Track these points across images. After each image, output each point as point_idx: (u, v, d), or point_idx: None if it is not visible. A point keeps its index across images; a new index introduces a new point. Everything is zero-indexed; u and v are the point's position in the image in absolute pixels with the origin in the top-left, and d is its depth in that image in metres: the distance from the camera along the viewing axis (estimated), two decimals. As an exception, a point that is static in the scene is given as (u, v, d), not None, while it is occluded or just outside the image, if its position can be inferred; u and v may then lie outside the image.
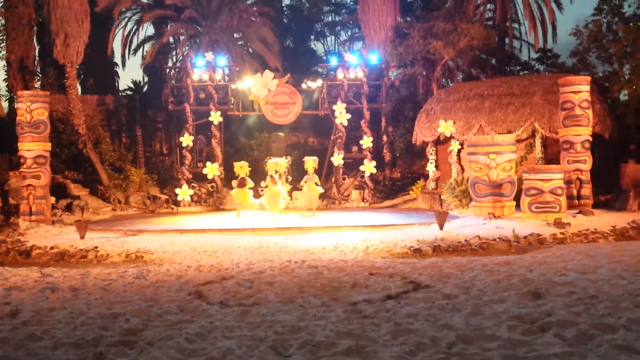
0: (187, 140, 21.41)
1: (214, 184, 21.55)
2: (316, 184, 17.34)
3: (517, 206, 14.32)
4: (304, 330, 5.17)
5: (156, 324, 5.51)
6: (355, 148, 22.36)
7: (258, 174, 18.48)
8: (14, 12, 23.14)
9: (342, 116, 21.62)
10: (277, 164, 17.20)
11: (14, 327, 5.43)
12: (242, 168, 17.38)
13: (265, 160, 17.82)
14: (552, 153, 17.97)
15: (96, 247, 11.18)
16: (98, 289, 7.22)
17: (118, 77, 32.15)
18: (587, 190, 15.69)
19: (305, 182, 17.31)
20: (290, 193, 18.33)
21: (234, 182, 17.31)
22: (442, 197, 18.17)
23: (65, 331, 5.25)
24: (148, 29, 31.02)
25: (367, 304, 6.13)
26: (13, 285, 7.54)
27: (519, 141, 17.44)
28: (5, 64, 24.28)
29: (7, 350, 4.77)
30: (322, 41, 37.43)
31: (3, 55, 23.92)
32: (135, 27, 29.12)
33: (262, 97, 21.16)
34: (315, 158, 17.55)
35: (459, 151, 19.46)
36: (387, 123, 23.97)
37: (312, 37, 35.51)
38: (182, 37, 27.88)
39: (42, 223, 15.07)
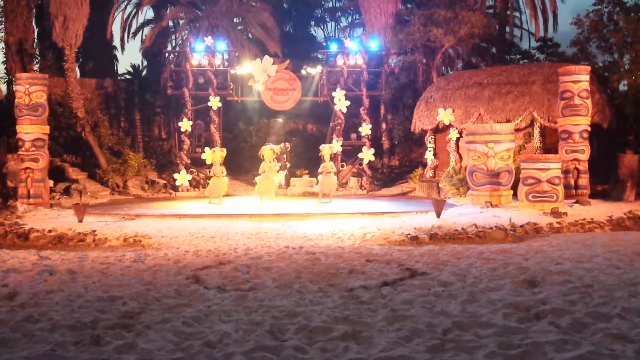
0: (185, 125, 21.33)
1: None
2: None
3: (515, 195, 14.35)
4: (301, 315, 5.19)
5: (153, 307, 5.54)
6: (354, 135, 22.30)
7: (256, 160, 18.44)
8: (12, -7, 22.96)
9: (341, 103, 21.54)
10: (272, 150, 17.08)
11: (11, 309, 5.45)
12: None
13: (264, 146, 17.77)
14: (551, 142, 17.97)
15: (94, 231, 11.21)
16: (96, 272, 7.24)
17: (117, 60, 31.98)
18: (584, 180, 15.71)
19: (322, 170, 17.21)
20: (288, 180, 18.24)
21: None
22: (440, 185, 18.19)
23: (62, 313, 5.27)
24: (147, 13, 30.85)
25: (363, 290, 6.16)
26: (11, 267, 7.55)
27: (517, 130, 17.42)
28: (4, 47, 24.12)
29: (5, 331, 4.79)
30: (322, 27, 37.18)
31: (2, 37, 23.78)
32: (135, 10, 28.95)
33: (262, 83, 21.07)
34: (332, 145, 17.37)
35: (458, 140, 19.44)
36: (386, 111, 23.94)
37: (312, 23, 35.24)
38: (181, 21, 27.72)
39: (40, 206, 15.08)
